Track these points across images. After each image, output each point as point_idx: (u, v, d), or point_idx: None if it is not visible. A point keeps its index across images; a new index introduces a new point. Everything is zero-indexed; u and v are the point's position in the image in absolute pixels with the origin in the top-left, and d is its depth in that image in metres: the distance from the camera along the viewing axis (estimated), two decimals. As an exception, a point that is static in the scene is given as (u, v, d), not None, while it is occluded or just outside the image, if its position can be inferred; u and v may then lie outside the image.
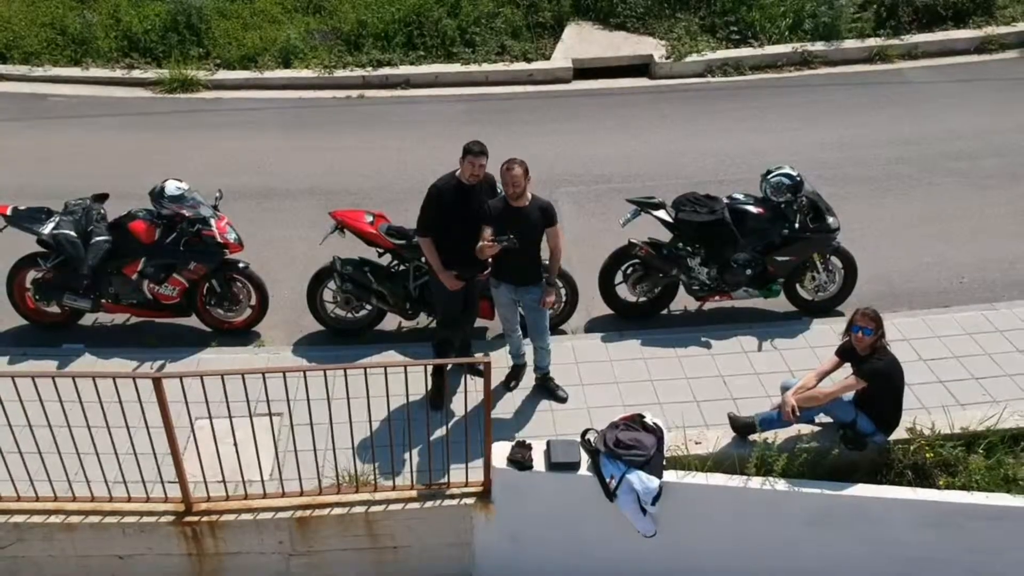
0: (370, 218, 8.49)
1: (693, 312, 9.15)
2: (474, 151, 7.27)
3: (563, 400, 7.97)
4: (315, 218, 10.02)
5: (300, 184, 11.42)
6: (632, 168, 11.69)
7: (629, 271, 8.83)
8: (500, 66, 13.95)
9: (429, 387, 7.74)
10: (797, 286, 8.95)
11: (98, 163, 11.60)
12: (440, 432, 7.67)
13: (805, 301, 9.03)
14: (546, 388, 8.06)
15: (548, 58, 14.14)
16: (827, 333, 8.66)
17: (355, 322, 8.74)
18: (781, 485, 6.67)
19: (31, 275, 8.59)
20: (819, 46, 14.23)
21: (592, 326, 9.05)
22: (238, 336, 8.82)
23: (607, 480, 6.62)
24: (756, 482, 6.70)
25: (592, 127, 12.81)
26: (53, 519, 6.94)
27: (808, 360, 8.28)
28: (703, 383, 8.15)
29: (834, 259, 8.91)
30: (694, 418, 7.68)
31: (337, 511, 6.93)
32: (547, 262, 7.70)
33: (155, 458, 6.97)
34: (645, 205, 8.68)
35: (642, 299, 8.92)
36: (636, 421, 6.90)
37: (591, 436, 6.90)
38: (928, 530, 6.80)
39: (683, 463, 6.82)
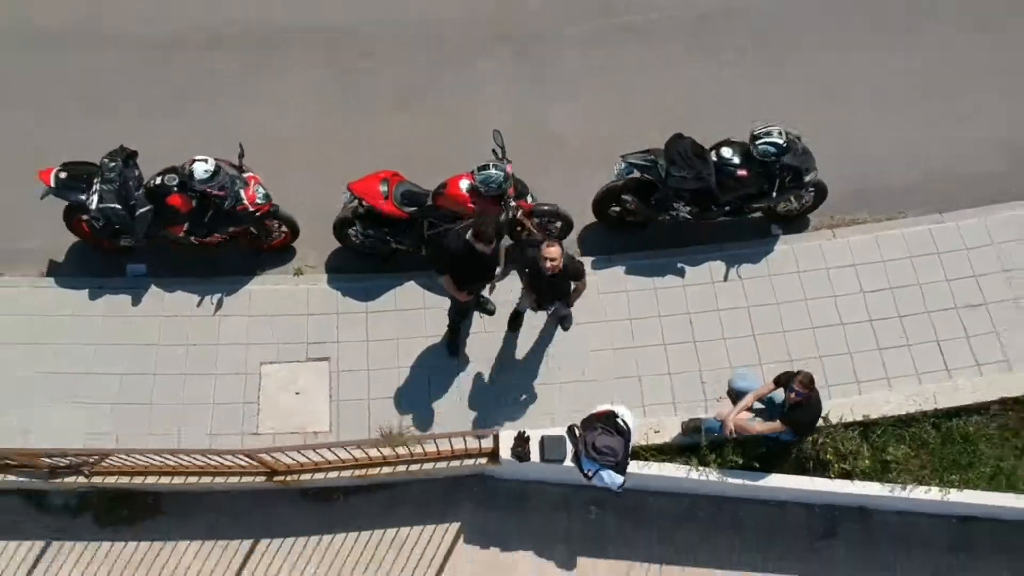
0: (384, 187, 9.25)
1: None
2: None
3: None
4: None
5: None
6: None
7: (618, 208, 9.80)
8: None
9: (447, 340, 9.53)
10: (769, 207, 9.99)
11: None
12: (465, 385, 9.62)
13: (775, 213, 10.11)
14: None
15: None
16: (788, 256, 10.03)
17: (381, 251, 9.96)
18: (713, 476, 8.90)
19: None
20: None
21: (584, 237, 10.30)
22: (275, 255, 10.15)
23: (585, 472, 8.80)
24: (695, 473, 8.92)
25: None
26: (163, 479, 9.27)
27: (765, 293, 9.86)
28: (673, 321, 9.81)
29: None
30: (660, 365, 9.58)
31: (385, 470, 9.25)
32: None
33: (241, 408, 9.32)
34: (637, 166, 9.33)
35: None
36: (610, 421, 8.82)
37: (576, 430, 8.91)
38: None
39: (642, 455, 8.96)
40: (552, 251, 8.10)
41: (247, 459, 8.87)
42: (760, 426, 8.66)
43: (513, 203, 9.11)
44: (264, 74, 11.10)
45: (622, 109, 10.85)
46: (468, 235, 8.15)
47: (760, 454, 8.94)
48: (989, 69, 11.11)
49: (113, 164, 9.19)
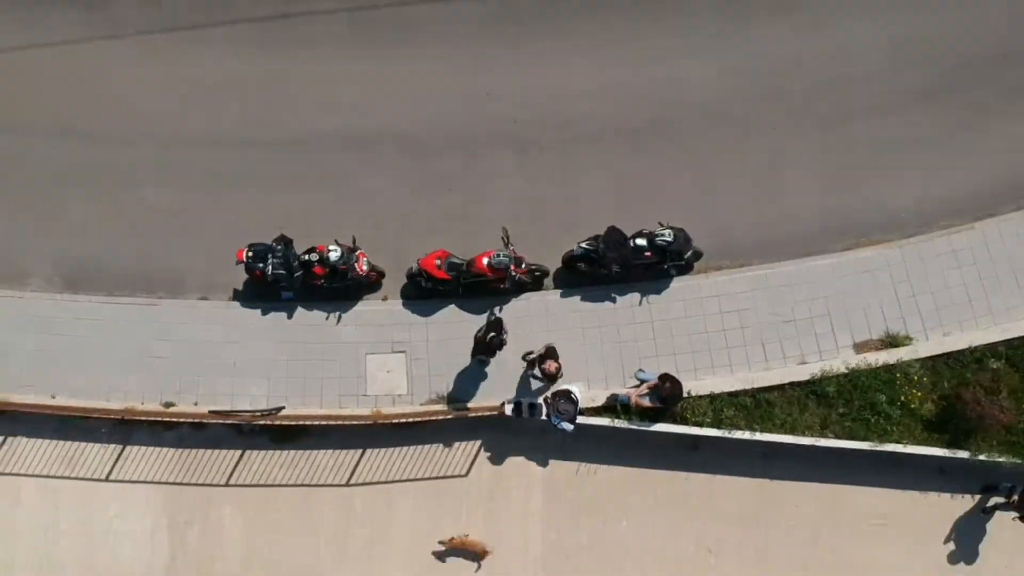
0: (438, 262, 15.85)
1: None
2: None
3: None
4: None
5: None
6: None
7: (575, 266, 16.41)
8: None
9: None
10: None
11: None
12: (489, 371, 16.53)
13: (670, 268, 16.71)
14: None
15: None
16: (677, 289, 16.68)
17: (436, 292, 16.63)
18: (620, 423, 15.95)
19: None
20: None
21: (558, 277, 16.94)
22: (372, 288, 16.79)
23: (553, 423, 15.81)
24: (612, 421, 15.96)
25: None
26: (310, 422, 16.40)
27: (662, 312, 16.59)
28: (607, 329, 16.59)
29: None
30: (598, 359, 16.44)
31: (434, 418, 16.30)
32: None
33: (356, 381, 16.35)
34: (587, 250, 15.87)
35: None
36: (567, 394, 15.73)
37: (548, 400, 15.86)
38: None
39: (585, 413, 15.97)
40: (551, 365, 15.14)
41: (361, 415, 16.04)
42: (648, 403, 15.66)
43: (513, 272, 15.76)
44: (355, 171, 17.38)
45: (569, 201, 17.27)
46: (481, 333, 15.17)
47: (650, 416, 16.03)
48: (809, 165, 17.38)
49: (279, 248, 15.79)
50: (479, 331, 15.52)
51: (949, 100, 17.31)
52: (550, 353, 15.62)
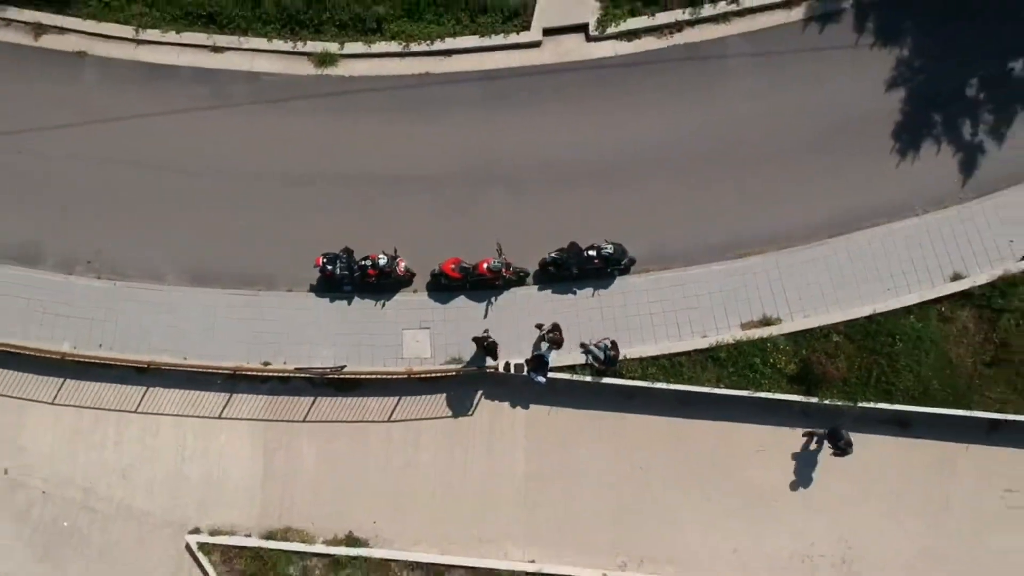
0: (454, 266, 23.09)
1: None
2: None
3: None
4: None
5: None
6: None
7: (547, 269, 23.67)
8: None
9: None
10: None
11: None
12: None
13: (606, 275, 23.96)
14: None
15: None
16: (620, 285, 23.89)
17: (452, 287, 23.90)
18: (575, 376, 23.16)
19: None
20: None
21: (536, 276, 24.16)
22: (405, 283, 24.05)
23: (532, 378, 23.01)
24: (572, 376, 23.17)
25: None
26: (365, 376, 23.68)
27: (609, 300, 23.82)
28: (569, 314, 23.83)
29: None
30: (565, 333, 23.66)
31: (449, 374, 23.51)
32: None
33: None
34: (556, 257, 23.13)
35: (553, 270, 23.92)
36: (541, 359, 22.92)
37: (528, 362, 23.05)
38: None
39: (553, 371, 23.19)
40: (559, 334, 22.48)
41: (399, 372, 23.30)
42: (599, 363, 22.88)
43: (504, 273, 23.03)
44: (394, 202, 24.65)
45: (544, 223, 24.46)
46: (477, 336, 22.49)
47: (599, 372, 23.26)
48: (719, 199, 24.58)
49: (344, 255, 23.16)
50: (476, 336, 23.16)
51: (810, 156, 24.67)
52: (556, 327, 22.97)
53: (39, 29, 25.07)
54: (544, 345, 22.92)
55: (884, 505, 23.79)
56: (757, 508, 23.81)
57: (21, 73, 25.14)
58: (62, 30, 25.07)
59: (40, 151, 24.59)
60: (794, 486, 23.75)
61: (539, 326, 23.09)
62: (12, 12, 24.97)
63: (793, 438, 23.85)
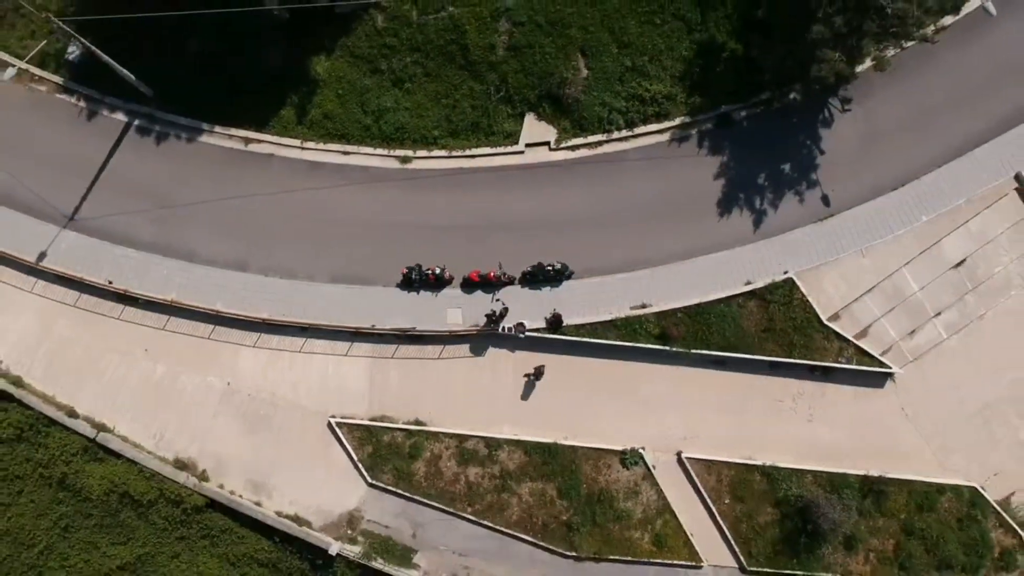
0: (475, 274, 43.03)
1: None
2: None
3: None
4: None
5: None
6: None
7: (525, 276, 43.65)
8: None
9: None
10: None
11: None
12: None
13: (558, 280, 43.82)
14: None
15: (518, 135, 45.21)
16: (566, 288, 43.72)
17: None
18: (544, 335, 42.96)
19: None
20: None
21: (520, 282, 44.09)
22: (449, 284, 43.92)
23: (516, 335, 42.77)
24: (540, 334, 42.95)
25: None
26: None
27: (561, 292, 43.65)
28: (536, 302, 43.59)
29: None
30: (534, 313, 43.47)
31: (472, 332, 43.24)
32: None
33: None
34: (532, 270, 43.07)
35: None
36: (521, 324, 42.68)
37: (515, 327, 42.83)
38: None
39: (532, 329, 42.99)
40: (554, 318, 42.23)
41: (443, 332, 43.23)
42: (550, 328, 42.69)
43: (503, 279, 42.97)
44: (440, 239, 44.51)
45: (530, 253, 44.32)
46: (488, 312, 42.42)
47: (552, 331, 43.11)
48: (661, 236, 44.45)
49: (416, 267, 43.35)
50: (487, 313, 42.68)
51: (672, 215, 44.44)
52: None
53: (247, 140, 45.03)
54: (526, 320, 42.89)
55: (710, 410, 43.57)
56: (641, 407, 43.69)
57: (236, 166, 45.11)
58: (259, 141, 45.07)
59: (251, 209, 44.57)
60: (670, 398, 43.70)
61: (520, 325, 42.79)
62: (233, 130, 44.97)
63: (655, 371, 43.59)
